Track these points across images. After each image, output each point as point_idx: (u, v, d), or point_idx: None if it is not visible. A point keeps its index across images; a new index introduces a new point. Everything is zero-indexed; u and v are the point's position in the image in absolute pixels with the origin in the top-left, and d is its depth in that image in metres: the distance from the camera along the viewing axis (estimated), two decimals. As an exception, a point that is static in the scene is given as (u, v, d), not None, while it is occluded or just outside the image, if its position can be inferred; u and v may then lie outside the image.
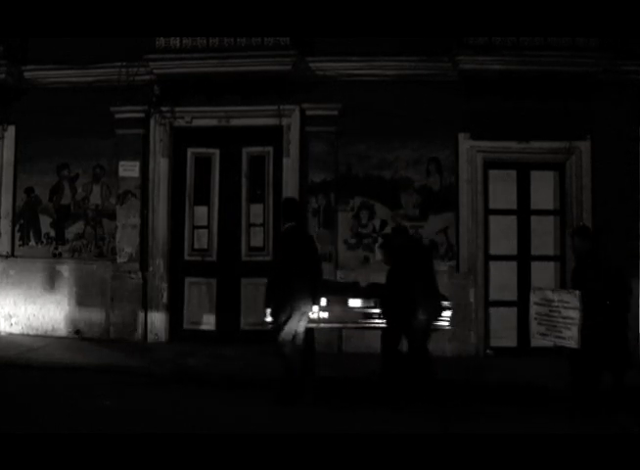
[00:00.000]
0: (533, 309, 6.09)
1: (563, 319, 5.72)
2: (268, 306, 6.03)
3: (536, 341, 6.31)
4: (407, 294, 6.11)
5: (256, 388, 6.40)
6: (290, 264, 5.86)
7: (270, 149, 9.03)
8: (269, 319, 6.05)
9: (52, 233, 9.23)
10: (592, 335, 5.63)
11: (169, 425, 5.07)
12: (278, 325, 5.88)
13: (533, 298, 6.14)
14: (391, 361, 6.30)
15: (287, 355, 5.85)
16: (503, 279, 8.62)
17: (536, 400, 6.24)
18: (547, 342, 6.02)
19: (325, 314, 6.30)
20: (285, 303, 5.84)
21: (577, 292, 5.68)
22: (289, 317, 5.82)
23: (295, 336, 5.87)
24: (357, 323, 6.55)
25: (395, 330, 6.28)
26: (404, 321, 6.16)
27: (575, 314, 5.59)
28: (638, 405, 5.81)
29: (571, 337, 5.61)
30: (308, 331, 6.12)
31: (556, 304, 5.81)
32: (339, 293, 6.51)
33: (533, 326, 6.12)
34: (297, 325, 5.86)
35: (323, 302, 6.22)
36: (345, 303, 6.42)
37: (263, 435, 4.69)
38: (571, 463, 4.02)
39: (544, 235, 8.70)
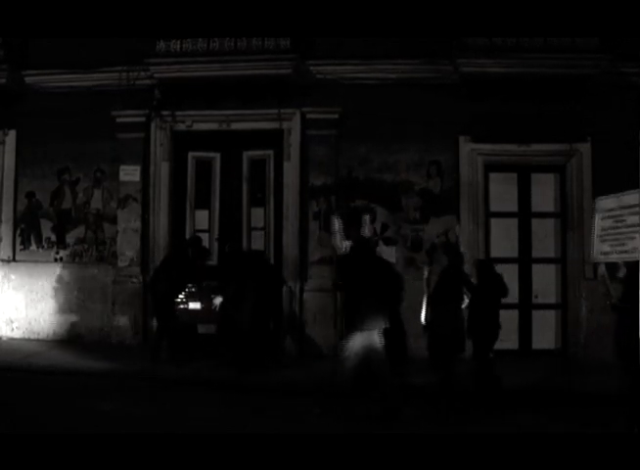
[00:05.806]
0: (598, 225, 5.48)
1: (627, 229, 5.17)
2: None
3: (600, 261, 5.65)
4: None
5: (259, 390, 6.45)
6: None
7: (271, 152, 9.04)
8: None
9: (53, 237, 9.23)
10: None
11: (168, 428, 5.07)
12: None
13: (597, 213, 5.55)
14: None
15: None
16: (504, 282, 8.60)
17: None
18: (611, 260, 5.45)
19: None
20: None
21: None
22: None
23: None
24: None
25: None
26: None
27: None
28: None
29: (634, 248, 5.03)
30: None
31: (618, 212, 5.29)
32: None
33: (596, 245, 5.51)
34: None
35: None
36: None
37: (263, 435, 4.67)
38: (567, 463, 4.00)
39: (545, 238, 8.70)
